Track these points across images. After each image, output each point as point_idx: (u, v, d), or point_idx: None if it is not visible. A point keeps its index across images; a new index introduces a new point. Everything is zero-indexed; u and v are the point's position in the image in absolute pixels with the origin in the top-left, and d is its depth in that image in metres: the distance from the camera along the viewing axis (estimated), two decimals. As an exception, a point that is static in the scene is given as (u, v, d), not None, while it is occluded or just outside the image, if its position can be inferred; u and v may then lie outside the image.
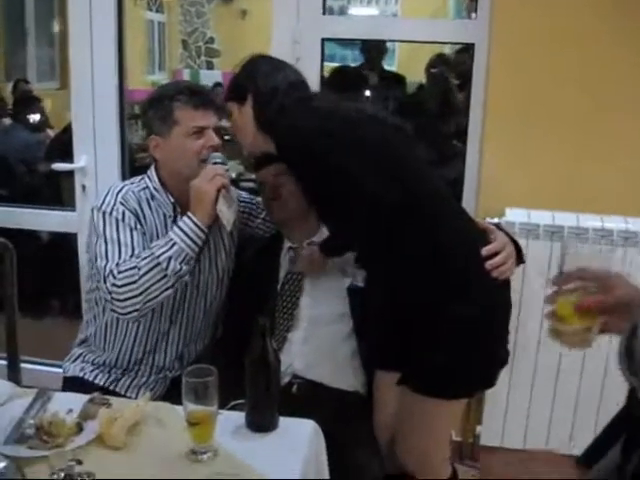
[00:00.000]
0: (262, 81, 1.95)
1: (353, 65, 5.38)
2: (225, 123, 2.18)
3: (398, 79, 5.26)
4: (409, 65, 7.41)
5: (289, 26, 2.74)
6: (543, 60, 2.52)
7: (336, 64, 5.14)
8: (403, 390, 1.94)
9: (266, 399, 1.61)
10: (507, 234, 1.96)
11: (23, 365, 2.40)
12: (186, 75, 9.93)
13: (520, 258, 1.96)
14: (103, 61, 2.96)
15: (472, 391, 2.03)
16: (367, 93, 4.31)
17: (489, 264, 1.84)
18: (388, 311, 2.00)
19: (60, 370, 3.11)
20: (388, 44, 5.74)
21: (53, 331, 3.97)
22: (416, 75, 5.98)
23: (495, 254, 1.86)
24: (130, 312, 1.93)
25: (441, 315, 1.82)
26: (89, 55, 2.95)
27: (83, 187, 3.07)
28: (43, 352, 3.31)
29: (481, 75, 2.65)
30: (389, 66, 6.94)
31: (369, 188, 1.76)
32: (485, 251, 1.85)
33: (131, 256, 1.96)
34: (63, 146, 3.14)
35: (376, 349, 2.09)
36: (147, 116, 2.12)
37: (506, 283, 1.90)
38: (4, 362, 2.36)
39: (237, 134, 2.04)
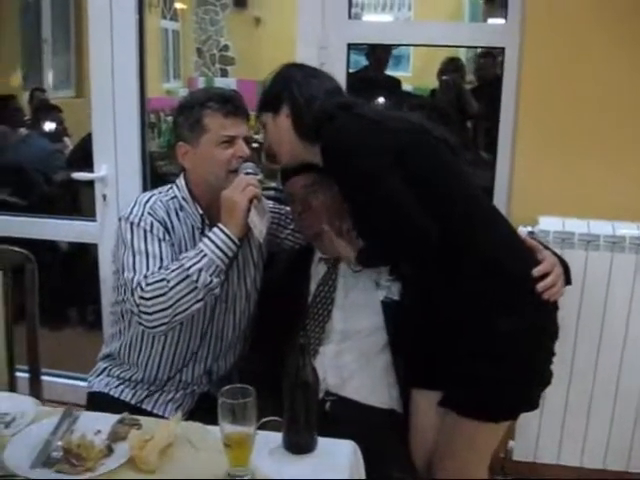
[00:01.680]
0: (298, 90, 1.91)
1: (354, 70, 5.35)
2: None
3: (395, 83, 5.22)
4: (423, 72, 7.38)
5: (314, 31, 2.70)
6: (577, 65, 2.47)
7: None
8: (444, 411, 1.88)
9: (304, 420, 1.55)
10: (555, 254, 1.92)
11: (43, 378, 2.35)
12: (201, 83, 9.91)
13: (568, 278, 1.91)
14: (124, 70, 2.93)
15: (517, 412, 1.96)
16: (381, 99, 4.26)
17: (540, 286, 1.81)
18: (430, 327, 1.93)
19: (80, 383, 3.12)
20: (401, 50, 5.72)
21: (72, 342, 3.96)
22: (430, 82, 5.96)
23: (545, 275, 1.82)
24: (158, 326, 1.87)
25: (488, 332, 1.78)
26: (109, 64, 2.93)
27: (104, 197, 3.04)
28: (62, 364, 3.29)
29: (512, 80, 2.60)
30: (404, 72, 6.92)
31: (418, 222, 1.73)
32: (536, 272, 1.82)
33: (159, 268, 1.90)
34: (84, 155, 3.09)
35: (415, 367, 2.03)
36: (177, 123, 2.08)
37: (554, 303, 1.86)
38: (25, 375, 2.32)
39: (272, 145, 2.00)
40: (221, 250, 1.88)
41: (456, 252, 1.78)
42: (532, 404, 1.91)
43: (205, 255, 1.87)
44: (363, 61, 6.69)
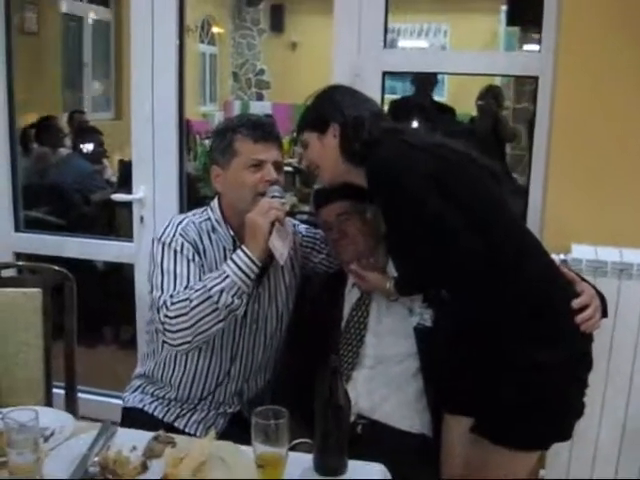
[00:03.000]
0: (348, 110, 1.93)
1: (401, 97, 5.40)
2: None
3: (449, 110, 5.26)
4: (458, 97, 7.41)
5: (349, 59, 2.73)
6: (611, 93, 2.46)
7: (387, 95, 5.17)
8: (476, 437, 1.87)
9: (336, 442, 1.56)
10: (593, 287, 1.93)
11: (78, 395, 2.40)
12: (236, 106, 10.05)
13: (604, 311, 1.92)
14: (163, 93, 2.99)
15: (550, 443, 1.95)
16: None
17: (579, 318, 1.82)
18: (465, 355, 1.93)
19: (114, 400, 3.17)
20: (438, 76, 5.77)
21: (106, 360, 4.01)
22: (465, 106, 5.99)
23: (584, 307, 1.83)
24: (181, 344, 1.91)
25: (524, 363, 1.77)
26: (150, 87, 2.99)
27: (141, 218, 3.09)
28: (96, 381, 3.32)
29: (545, 108, 2.60)
30: (439, 97, 6.95)
31: (463, 243, 1.73)
32: (576, 304, 1.83)
33: (186, 287, 1.94)
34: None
35: (448, 393, 2.03)
36: (211, 147, 2.14)
37: (590, 335, 1.86)
38: (61, 391, 2.36)
39: (315, 164, 2.01)
40: (243, 272, 1.91)
41: (496, 281, 1.78)
42: (565, 435, 1.90)
43: (227, 276, 1.90)
44: (399, 86, 6.75)
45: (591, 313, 1.84)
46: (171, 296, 1.92)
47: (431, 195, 1.75)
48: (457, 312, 1.94)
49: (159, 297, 1.94)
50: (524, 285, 1.81)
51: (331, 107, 1.96)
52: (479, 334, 1.87)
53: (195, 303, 1.87)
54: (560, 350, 1.78)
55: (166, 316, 1.89)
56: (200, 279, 1.98)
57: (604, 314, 1.92)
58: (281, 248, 1.96)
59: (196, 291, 1.89)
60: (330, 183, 2.05)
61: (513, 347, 1.80)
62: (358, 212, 2.12)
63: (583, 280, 1.95)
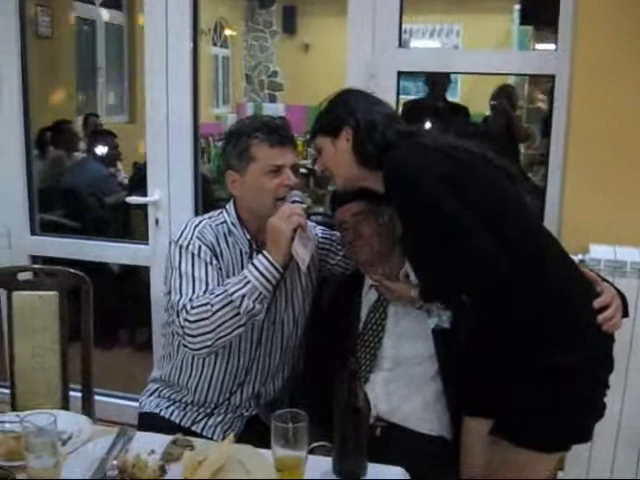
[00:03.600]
0: (360, 114, 1.92)
1: (414, 98, 5.40)
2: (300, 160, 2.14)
3: (463, 110, 5.25)
4: (471, 97, 7.40)
5: (364, 59, 2.72)
6: (629, 92, 2.45)
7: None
8: (496, 439, 1.86)
9: (355, 445, 1.56)
10: (613, 286, 1.91)
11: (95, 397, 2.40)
12: (249, 108, 10.06)
13: (625, 311, 1.90)
14: (178, 96, 2.99)
15: (570, 444, 1.93)
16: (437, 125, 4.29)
17: (600, 318, 1.80)
18: (485, 357, 1.92)
19: (129, 403, 3.17)
20: (451, 76, 5.77)
21: (122, 363, 4.02)
22: (478, 106, 5.97)
23: (605, 307, 1.82)
24: (201, 348, 1.90)
25: (546, 365, 1.76)
26: (164, 90, 2.99)
27: (156, 221, 3.09)
28: (111, 384, 3.33)
29: (562, 107, 2.59)
30: (452, 97, 6.94)
31: (479, 245, 1.71)
32: (597, 304, 1.81)
33: (205, 291, 1.94)
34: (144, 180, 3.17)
35: (468, 394, 2.02)
36: (225, 151, 2.12)
37: (611, 336, 1.85)
38: (77, 394, 2.37)
39: (329, 168, 2.00)
40: (264, 277, 1.90)
41: (516, 282, 1.76)
42: (585, 436, 1.88)
43: (249, 282, 1.89)
44: (412, 86, 6.74)
45: (612, 313, 1.82)
46: (191, 300, 1.91)
47: (447, 197, 1.74)
48: (476, 314, 1.93)
49: (178, 300, 1.94)
50: (544, 286, 1.79)
51: (344, 111, 1.95)
52: (499, 336, 1.86)
53: (216, 308, 1.87)
54: (581, 351, 1.77)
55: (186, 320, 1.89)
56: (218, 282, 1.97)
57: (625, 314, 1.90)
58: (303, 254, 1.96)
59: (217, 295, 1.89)
60: (344, 188, 2.04)
61: (533, 348, 1.78)
62: (374, 213, 2.11)
63: (603, 280, 1.93)
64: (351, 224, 2.13)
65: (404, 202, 1.84)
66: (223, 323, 1.87)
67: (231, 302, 1.87)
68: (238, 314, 1.87)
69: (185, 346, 1.94)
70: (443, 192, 1.75)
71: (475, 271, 1.74)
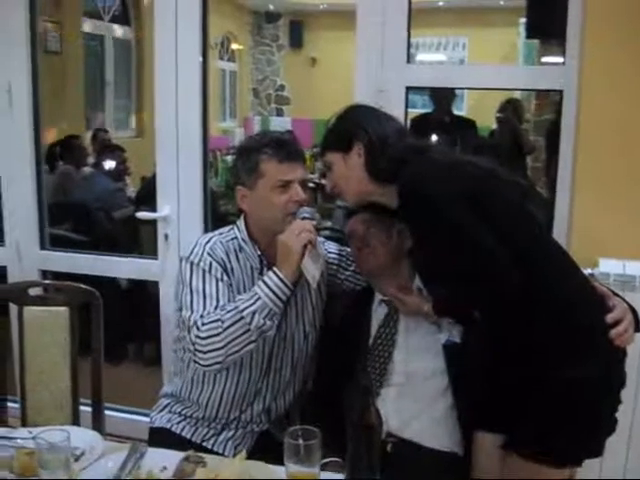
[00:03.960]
0: (371, 129, 1.92)
1: (422, 113, 5.41)
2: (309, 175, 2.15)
3: (470, 124, 5.25)
4: (477, 110, 7.41)
5: (372, 74, 2.73)
6: (637, 106, 2.45)
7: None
8: (508, 454, 1.85)
9: (367, 461, 1.55)
10: (625, 301, 1.90)
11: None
12: (256, 122, 10.10)
13: (637, 325, 1.89)
14: (187, 111, 3.00)
15: (581, 459, 1.92)
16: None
17: (613, 332, 1.80)
18: (495, 372, 1.91)
19: (139, 418, 3.17)
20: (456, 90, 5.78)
21: (130, 378, 4.01)
22: (484, 119, 5.99)
23: (618, 322, 1.81)
24: (212, 364, 1.91)
25: (557, 380, 1.75)
26: (174, 105, 3.00)
27: (166, 236, 3.10)
28: (121, 399, 3.33)
29: (570, 121, 2.59)
30: (458, 111, 6.95)
31: (502, 263, 1.72)
32: (610, 319, 1.81)
33: (216, 307, 1.94)
34: (149, 194, 3.18)
35: (479, 409, 2.01)
36: (235, 166, 2.13)
37: (623, 351, 1.84)
38: (87, 409, 2.37)
39: (340, 185, 2.00)
40: (274, 294, 1.91)
41: (529, 298, 1.76)
42: (597, 451, 1.87)
43: (259, 298, 1.90)
44: (418, 99, 6.75)
45: (625, 327, 1.81)
46: (202, 316, 1.92)
47: (463, 212, 1.74)
48: (489, 329, 1.93)
49: (189, 317, 1.94)
50: (557, 301, 1.79)
51: (354, 126, 1.95)
52: (510, 350, 1.85)
53: (227, 324, 1.88)
54: (593, 366, 1.76)
55: (197, 337, 1.89)
56: (229, 298, 1.98)
57: (637, 329, 1.89)
58: (313, 271, 1.97)
59: (228, 312, 1.90)
60: (355, 204, 2.04)
61: (546, 363, 1.78)
62: (384, 225, 2.11)
63: (615, 295, 1.93)
64: (359, 232, 2.14)
65: (420, 217, 1.83)
66: (234, 339, 1.88)
67: (242, 318, 1.88)
68: (249, 330, 1.88)
69: (196, 362, 1.94)
70: (459, 207, 1.75)
71: (489, 286, 1.74)
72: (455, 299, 1.89)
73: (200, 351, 1.90)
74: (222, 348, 1.88)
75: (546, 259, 1.84)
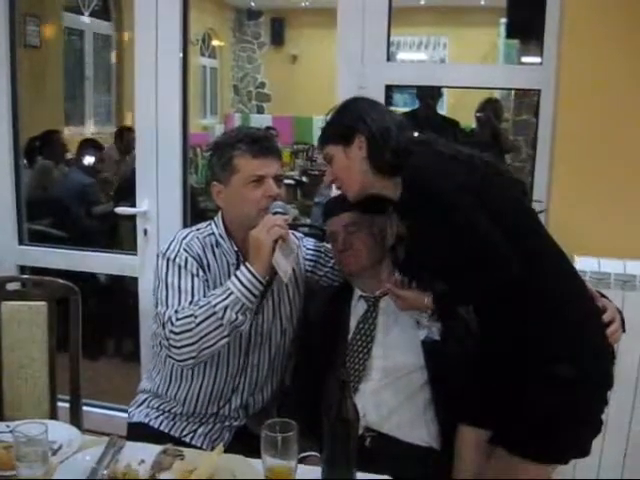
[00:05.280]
0: (372, 121, 1.93)
1: (409, 110, 5.43)
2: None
3: (454, 123, 5.29)
4: (457, 109, 7.45)
5: (354, 72, 2.74)
6: (614, 106, 2.48)
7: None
8: (493, 449, 1.88)
9: (344, 456, 1.55)
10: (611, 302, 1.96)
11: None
12: (237, 119, 10.09)
13: (623, 326, 1.94)
14: (167, 107, 3.01)
15: (570, 457, 1.93)
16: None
17: (608, 331, 1.85)
18: (486, 367, 1.94)
19: (117, 413, 3.17)
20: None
21: (109, 373, 4.00)
22: (464, 119, 6.03)
23: (610, 322, 1.87)
24: (186, 359, 1.92)
25: (549, 377, 1.78)
26: (154, 101, 3.01)
27: (145, 231, 3.10)
28: (99, 394, 3.32)
29: (547, 120, 2.62)
30: (439, 110, 6.98)
31: (504, 251, 1.73)
32: (607, 317, 1.87)
33: (190, 303, 1.95)
34: (129, 190, 3.17)
35: (464, 404, 2.02)
36: (211, 162, 2.14)
37: (612, 353, 1.88)
38: (65, 404, 2.36)
39: (341, 177, 2.01)
40: (247, 288, 1.91)
41: (524, 292, 1.79)
42: (584, 450, 1.89)
43: (232, 293, 1.90)
44: (399, 98, 6.77)
45: (617, 327, 1.88)
46: (176, 312, 1.93)
47: (466, 202, 1.77)
48: (483, 324, 1.95)
49: (164, 312, 1.95)
50: (555, 297, 1.82)
51: (355, 119, 1.96)
52: (504, 346, 1.87)
53: (200, 319, 1.88)
54: (585, 367, 1.79)
55: (171, 332, 1.90)
56: (204, 293, 1.99)
57: (623, 329, 1.94)
58: (284, 266, 1.97)
59: (200, 307, 1.90)
60: (357, 196, 2.02)
61: (539, 362, 1.80)
62: (365, 225, 2.13)
63: (602, 296, 1.96)
64: (341, 235, 2.15)
65: (424, 206, 1.83)
66: (207, 334, 1.88)
67: (214, 314, 1.88)
68: (221, 325, 1.89)
69: (170, 357, 1.95)
70: (463, 197, 1.77)
71: (490, 274, 1.76)
72: (455, 289, 1.89)
73: (174, 346, 1.90)
74: (195, 343, 1.88)
75: (544, 254, 1.86)
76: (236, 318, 1.90)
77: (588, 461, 2.31)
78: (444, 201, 1.78)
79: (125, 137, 5.74)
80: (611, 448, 2.50)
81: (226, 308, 1.89)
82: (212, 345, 1.90)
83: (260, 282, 1.93)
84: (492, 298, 1.83)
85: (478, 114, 5.40)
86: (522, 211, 1.92)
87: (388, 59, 2.80)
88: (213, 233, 2.14)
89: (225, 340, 1.92)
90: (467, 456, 2.02)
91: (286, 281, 2.08)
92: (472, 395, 1.99)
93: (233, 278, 1.94)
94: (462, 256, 1.77)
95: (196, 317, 1.88)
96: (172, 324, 1.90)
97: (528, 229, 1.88)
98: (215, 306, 1.89)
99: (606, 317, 1.87)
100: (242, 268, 1.94)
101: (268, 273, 1.96)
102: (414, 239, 1.98)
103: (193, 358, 1.91)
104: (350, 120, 1.97)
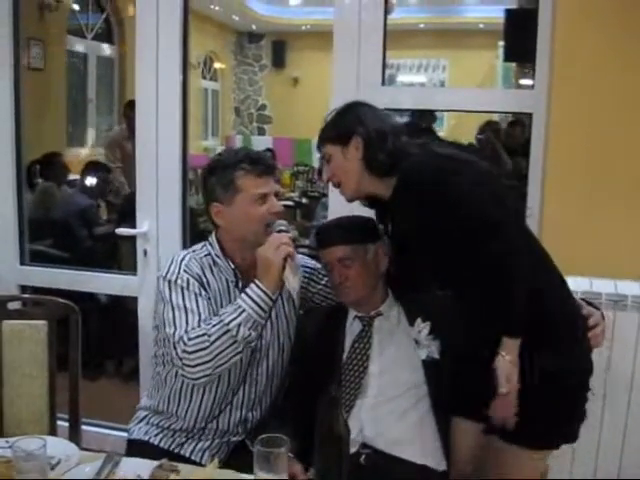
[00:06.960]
0: (370, 123, 1.99)
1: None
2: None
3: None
4: (457, 131, 7.50)
5: (349, 95, 2.76)
6: (604, 129, 2.53)
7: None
8: (488, 439, 1.93)
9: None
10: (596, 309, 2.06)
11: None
12: (238, 141, 10.14)
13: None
14: (167, 129, 3.05)
15: (560, 443, 2.00)
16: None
17: (592, 333, 1.95)
18: (478, 361, 1.93)
19: (116, 433, 3.18)
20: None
21: (108, 393, 4.00)
22: (465, 140, 6.07)
23: (595, 326, 1.97)
24: (200, 377, 1.96)
25: (543, 369, 1.85)
26: (154, 123, 3.05)
27: (145, 252, 3.13)
28: (99, 413, 3.33)
29: (539, 144, 2.66)
30: (438, 130, 7.04)
31: (508, 233, 1.77)
32: (592, 321, 1.97)
33: (198, 321, 1.99)
34: (129, 211, 3.21)
35: (461, 397, 2.04)
36: (208, 183, 2.17)
37: (591, 350, 1.97)
38: (65, 423, 2.39)
39: (338, 176, 2.07)
40: (258, 305, 1.97)
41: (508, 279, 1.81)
42: (573, 437, 1.98)
43: (243, 310, 1.96)
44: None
45: (601, 331, 1.98)
46: (187, 332, 1.97)
47: (468, 185, 1.81)
48: (478, 317, 1.91)
49: (173, 333, 1.98)
50: (543, 299, 1.88)
51: (353, 120, 2.03)
52: (491, 342, 1.88)
53: (214, 337, 1.93)
54: (575, 359, 1.90)
55: (185, 351, 1.94)
56: (209, 311, 2.04)
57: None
58: (293, 282, 2.04)
59: (213, 326, 1.95)
60: (353, 195, 2.08)
61: (533, 354, 1.85)
62: (359, 255, 2.16)
63: (589, 303, 2.07)
64: (337, 268, 2.18)
65: (425, 198, 1.84)
66: (221, 352, 1.93)
67: (228, 331, 1.93)
68: (235, 342, 1.94)
69: (184, 376, 1.99)
70: (464, 181, 1.81)
71: (495, 267, 1.77)
72: (459, 280, 1.90)
73: (188, 365, 1.94)
74: (210, 361, 1.93)
75: (537, 255, 1.93)
76: (249, 334, 1.95)
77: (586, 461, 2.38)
78: (446, 194, 1.80)
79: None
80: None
81: (239, 325, 1.94)
82: (226, 362, 1.95)
83: (270, 298, 1.99)
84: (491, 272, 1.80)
85: (479, 136, 5.45)
86: (517, 212, 1.99)
87: (383, 83, 2.85)
88: (209, 254, 2.18)
89: (239, 356, 1.98)
90: (461, 446, 2.07)
91: (294, 296, 2.16)
92: (465, 388, 2.01)
93: (244, 296, 1.99)
94: (461, 230, 1.78)
95: (210, 335, 1.93)
96: (185, 344, 1.94)
97: (522, 230, 1.94)
98: (229, 324, 1.94)
99: (592, 320, 1.97)
100: (252, 286, 1.99)
101: (278, 290, 2.03)
102: (409, 234, 2.01)
103: (207, 376, 1.95)
104: (348, 122, 2.04)
